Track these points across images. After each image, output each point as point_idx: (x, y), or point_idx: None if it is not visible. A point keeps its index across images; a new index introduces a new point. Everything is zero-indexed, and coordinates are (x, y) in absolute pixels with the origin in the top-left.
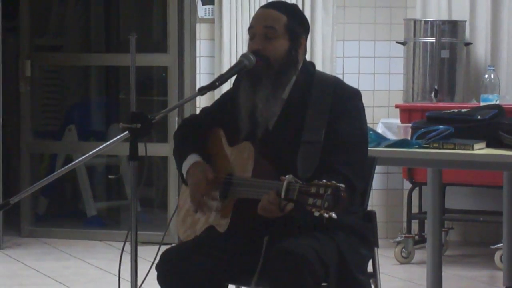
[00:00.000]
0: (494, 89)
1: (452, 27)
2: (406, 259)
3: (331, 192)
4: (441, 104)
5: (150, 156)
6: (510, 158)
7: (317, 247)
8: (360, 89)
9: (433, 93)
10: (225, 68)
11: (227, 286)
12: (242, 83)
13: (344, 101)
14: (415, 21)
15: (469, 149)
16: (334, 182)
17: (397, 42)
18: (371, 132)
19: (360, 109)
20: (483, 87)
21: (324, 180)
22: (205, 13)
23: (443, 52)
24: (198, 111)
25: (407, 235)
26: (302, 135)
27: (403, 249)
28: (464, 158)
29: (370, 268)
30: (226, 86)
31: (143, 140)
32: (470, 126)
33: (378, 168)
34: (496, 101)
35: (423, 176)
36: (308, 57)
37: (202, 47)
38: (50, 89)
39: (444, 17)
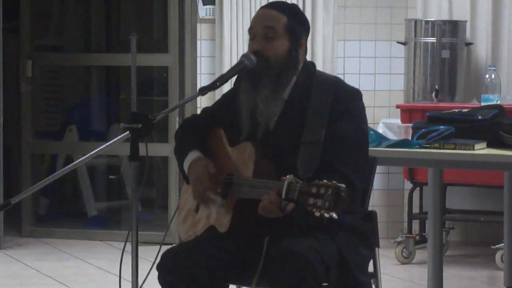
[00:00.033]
0: (494, 89)
1: (453, 27)
2: (407, 259)
3: (332, 192)
4: (441, 104)
5: (151, 156)
6: (511, 158)
7: (318, 247)
8: (361, 89)
9: (434, 93)
10: (226, 68)
11: (228, 286)
12: (242, 83)
13: (344, 101)
14: (415, 21)
15: (470, 149)
16: (334, 182)
17: (398, 42)
18: (371, 132)
19: (361, 109)
20: (484, 87)
21: (325, 180)
22: (206, 13)
23: (443, 52)
24: (199, 111)
25: (408, 235)
26: (303, 135)
27: (404, 249)
28: (465, 158)
29: (371, 268)
30: (227, 86)
31: (144, 140)
32: (471, 126)
33: (379, 168)
34: (496, 101)
35: (424, 176)
36: (309, 57)
37: (203, 47)
38: (51, 89)
39: (445, 17)
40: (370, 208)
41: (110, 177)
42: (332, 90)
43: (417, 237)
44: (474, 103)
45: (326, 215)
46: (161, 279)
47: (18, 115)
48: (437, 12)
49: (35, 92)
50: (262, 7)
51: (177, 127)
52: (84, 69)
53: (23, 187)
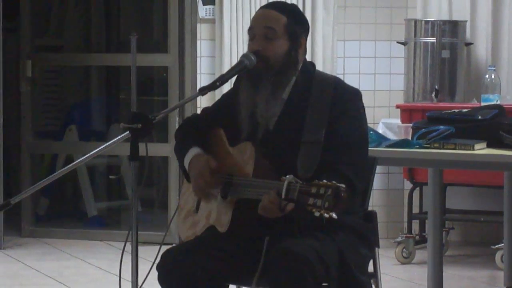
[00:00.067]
0: (494, 89)
1: (453, 27)
2: (406, 259)
3: (332, 192)
4: (441, 104)
5: (150, 156)
6: (511, 158)
7: (318, 247)
8: (360, 89)
9: (434, 93)
10: (226, 68)
11: (228, 286)
12: (242, 84)
13: (344, 101)
14: (415, 21)
15: (469, 149)
16: (334, 182)
17: (397, 42)
18: (371, 132)
19: (360, 109)
20: (484, 87)
21: (325, 180)
22: (206, 13)
23: (443, 52)
24: (199, 111)
25: (407, 235)
26: (303, 135)
27: (404, 249)
28: (465, 158)
29: (370, 268)
30: (227, 86)
31: (144, 140)
32: (470, 126)
33: (378, 168)
34: (496, 101)
35: (423, 176)
36: (308, 57)
37: (202, 47)
38: (51, 89)
39: (445, 17)
40: (370, 208)
41: (110, 177)
42: (331, 90)
43: (417, 237)
44: (474, 103)
45: (326, 215)
46: (161, 279)
47: (18, 115)
48: (437, 12)
49: (35, 92)
50: (261, 7)
51: (177, 127)
52: (84, 69)
53: (23, 187)
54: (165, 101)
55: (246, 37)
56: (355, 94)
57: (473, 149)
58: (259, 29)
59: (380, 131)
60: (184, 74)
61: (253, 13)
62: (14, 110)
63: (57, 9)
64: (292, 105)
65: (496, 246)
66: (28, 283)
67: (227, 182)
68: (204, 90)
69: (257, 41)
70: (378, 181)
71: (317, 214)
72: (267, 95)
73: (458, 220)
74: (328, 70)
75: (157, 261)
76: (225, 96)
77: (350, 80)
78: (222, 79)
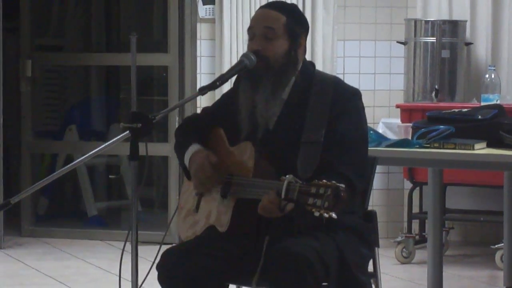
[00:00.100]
0: (494, 89)
1: (453, 27)
2: (406, 259)
3: (331, 192)
4: (441, 104)
5: (150, 156)
6: (511, 158)
7: (318, 247)
8: (360, 89)
9: (434, 93)
10: (226, 68)
11: (228, 286)
12: (241, 83)
13: (344, 100)
14: (415, 21)
15: (469, 149)
16: (334, 182)
17: (397, 42)
18: (371, 132)
19: (360, 109)
20: (484, 87)
21: (324, 180)
22: (206, 13)
23: (443, 52)
24: (199, 111)
25: (407, 235)
26: (302, 135)
27: (404, 249)
28: (465, 158)
29: (370, 268)
30: (227, 86)
31: (144, 140)
32: (470, 126)
33: (378, 168)
34: (496, 101)
35: (423, 176)
36: (308, 57)
37: (202, 47)
38: (51, 89)
39: (445, 17)
40: (370, 208)
41: (110, 176)
42: (331, 90)
43: (417, 237)
44: (474, 103)
45: (326, 215)
46: (161, 279)
47: (18, 115)
48: (437, 12)
49: (35, 92)
50: (261, 7)
51: (176, 126)
52: (84, 69)
53: (23, 186)
54: (165, 100)
55: (246, 36)
56: (355, 94)
57: (473, 149)
58: (259, 29)
59: (380, 131)
60: (184, 74)
61: (253, 13)
62: (14, 110)
63: (57, 8)
64: (292, 105)
65: (496, 246)
66: (28, 282)
67: (227, 182)
68: (204, 90)
69: (256, 41)
70: (378, 181)
71: (316, 214)
72: (267, 95)
73: (458, 220)
74: (328, 70)
75: (157, 261)
76: (225, 96)
77: (350, 80)
78: (222, 79)
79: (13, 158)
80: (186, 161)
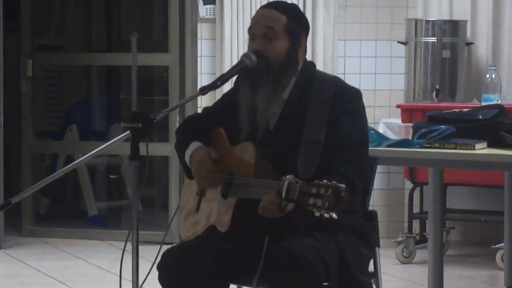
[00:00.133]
0: (495, 89)
1: (454, 27)
2: (407, 259)
3: (332, 193)
4: (442, 104)
5: (151, 156)
6: (511, 158)
7: (318, 247)
8: (361, 89)
9: (435, 93)
10: (226, 67)
11: (228, 285)
12: (242, 83)
13: (344, 100)
14: (416, 21)
15: (470, 149)
16: (334, 182)
17: (398, 42)
18: (372, 132)
19: (361, 109)
20: (484, 87)
21: (325, 180)
22: (206, 12)
23: (444, 52)
24: (199, 111)
25: (408, 235)
26: (303, 135)
27: (404, 249)
28: (466, 158)
29: (371, 268)
30: (228, 86)
31: (145, 140)
32: (471, 126)
33: (379, 168)
34: (497, 101)
35: (424, 176)
36: (309, 57)
37: (203, 47)
38: (51, 88)
39: (446, 17)
40: (370, 208)
41: (111, 176)
42: (332, 90)
43: (418, 237)
44: (475, 103)
45: (326, 215)
46: (161, 279)
47: (19, 115)
48: (438, 11)
49: (35, 91)
50: (262, 7)
51: (177, 126)
52: (85, 69)
53: (24, 186)
54: (166, 100)
55: (246, 36)
56: (355, 94)
57: (474, 149)
58: (259, 29)
59: (380, 131)
60: (184, 74)
61: (253, 13)
62: (15, 109)
63: (57, 8)
64: (292, 105)
65: (497, 245)
66: (28, 282)
67: (227, 182)
68: (204, 90)
69: (257, 41)
70: (378, 181)
71: (317, 214)
72: (267, 94)
73: (459, 220)
74: (328, 70)
75: (157, 261)
76: (225, 96)
77: (351, 80)
78: (223, 79)
79: (14, 158)
80: (187, 158)
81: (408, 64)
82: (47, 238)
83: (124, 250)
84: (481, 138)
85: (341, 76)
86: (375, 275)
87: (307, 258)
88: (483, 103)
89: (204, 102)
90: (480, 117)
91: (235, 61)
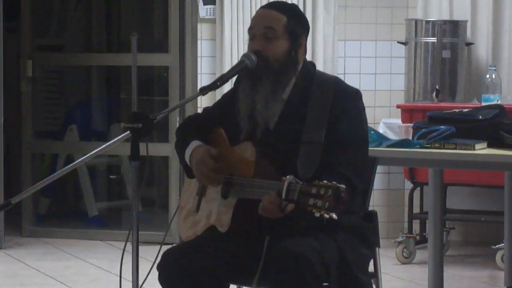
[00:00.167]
0: (495, 89)
1: (454, 27)
2: (407, 259)
3: (332, 193)
4: (442, 104)
5: (151, 156)
6: (511, 158)
7: (318, 247)
8: (361, 89)
9: (435, 93)
10: (226, 68)
11: (229, 286)
12: (242, 83)
13: (344, 101)
14: (416, 21)
15: (470, 149)
16: (334, 182)
17: (398, 42)
18: (372, 132)
19: (361, 109)
20: (485, 87)
21: (325, 181)
22: (207, 13)
23: (444, 52)
24: (199, 111)
25: (408, 235)
26: (303, 135)
27: (404, 249)
28: (466, 158)
29: (371, 268)
30: (228, 86)
31: (145, 140)
32: (471, 126)
33: (379, 168)
34: (497, 101)
35: (424, 176)
36: (309, 57)
37: (203, 47)
38: (52, 89)
39: (446, 17)
40: (370, 208)
41: (111, 177)
42: (332, 90)
43: (418, 237)
44: (475, 103)
45: (326, 215)
46: (161, 279)
47: (19, 115)
48: (438, 12)
49: (35, 92)
50: (262, 7)
51: (177, 126)
52: (85, 69)
53: (24, 186)
54: (166, 101)
55: (246, 37)
56: (355, 94)
57: (474, 149)
58: (259, 29)
59: (380, 131)
60: (184, 74)
61: (253, 13)
62: (15, 110)
63: (57, 8)
64: (292, 105)
65: (497, 246)
66: (28, 283)
67: (227, 182)
68: (204, 90)
69: (257, 41)
70: (378, 181)
71: (317, 214)
72: (267, 95)
73: (459, 220)
74: (328, 70)
75: (157, 261)
76: (225, 96)
77: (351, 80)
78: (223, 79)
79: (14, 158)
80: (187, 157)
81: (408, 64)
82: (47, 238)
83: (124, 250)
84: (481, 138)
85: (341, 77)
86: (375, 275)
87: (307, 258)
88: (483, 103)
89: (204, 102)
90: (480, 117)
91: (235, 61)
